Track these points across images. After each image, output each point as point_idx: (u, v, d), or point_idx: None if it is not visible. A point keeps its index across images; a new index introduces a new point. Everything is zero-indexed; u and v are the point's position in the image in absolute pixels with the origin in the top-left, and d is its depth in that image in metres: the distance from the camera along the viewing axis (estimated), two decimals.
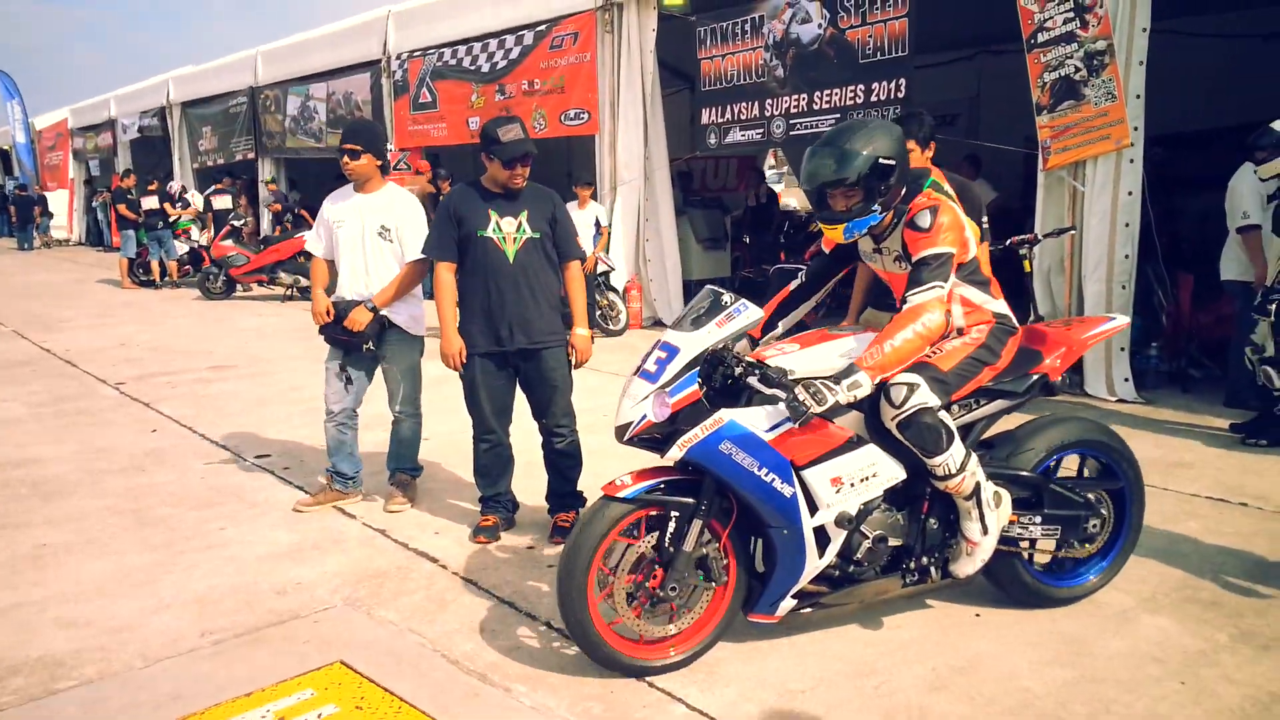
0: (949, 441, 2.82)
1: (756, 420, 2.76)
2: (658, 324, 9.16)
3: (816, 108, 7.87)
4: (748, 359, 2.85)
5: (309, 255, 4.52)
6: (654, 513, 2.84)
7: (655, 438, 2.83)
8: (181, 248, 14.20)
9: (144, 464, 5.10)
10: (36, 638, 3.15)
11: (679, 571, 2.82)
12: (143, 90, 20.46)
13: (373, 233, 4.17)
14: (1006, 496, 3.02)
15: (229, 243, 12.56)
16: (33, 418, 6.14)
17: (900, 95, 7.22)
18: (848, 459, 2.82)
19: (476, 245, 3.74)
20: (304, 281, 11.47)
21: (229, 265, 12.38)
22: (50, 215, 24.50)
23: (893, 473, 2.89)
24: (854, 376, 2.71)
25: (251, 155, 15.88)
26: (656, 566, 2.84)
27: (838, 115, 7.58)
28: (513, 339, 3.77)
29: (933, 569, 3.05)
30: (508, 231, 3.75)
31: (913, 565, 3.02)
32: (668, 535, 2.82)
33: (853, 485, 2.83)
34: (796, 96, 8.02)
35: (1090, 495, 3.20)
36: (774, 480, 2.75)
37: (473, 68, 10.88)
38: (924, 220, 2.86)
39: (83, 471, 4.97)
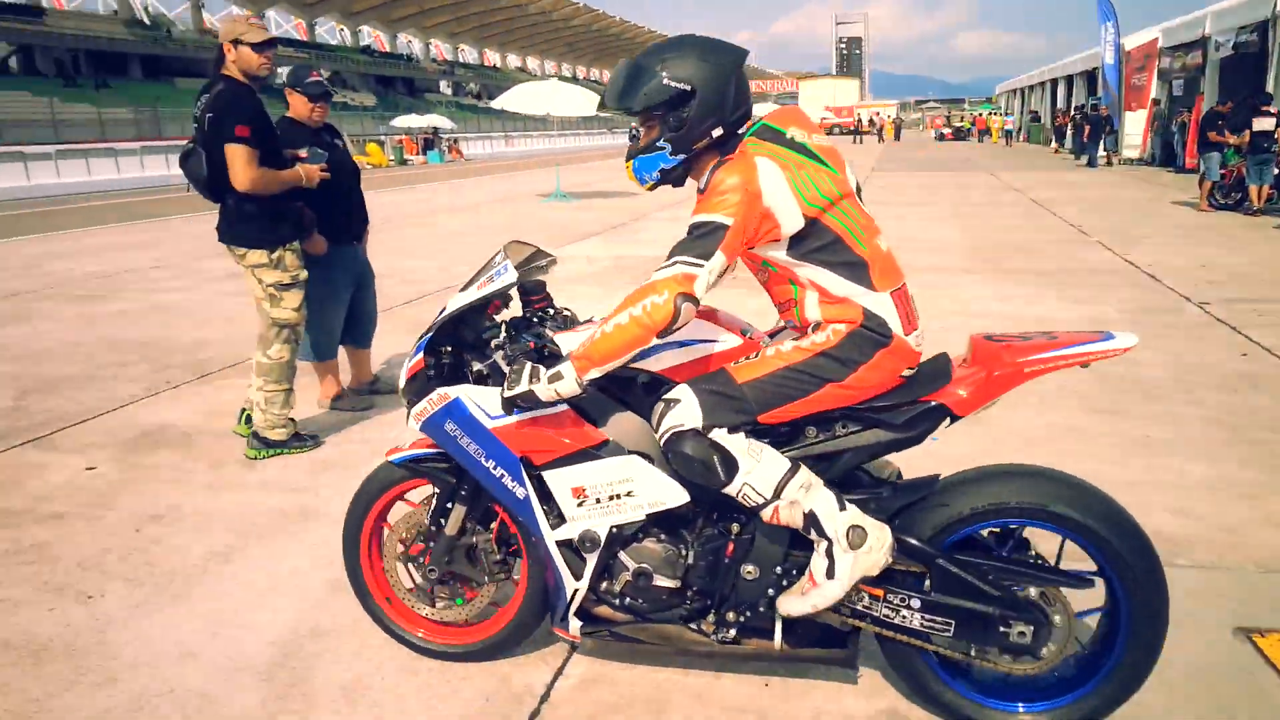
0: (730, 471, 2.21)
1: (485, 402, 2.41)
2: None
3: None
4: (546, 332, 2.47)
5: None
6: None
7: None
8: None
9: (1236, 384, 5.14)
10: (1149, 517, 3.53)
11: (439, 555, 2.61)
12: (1242, 5, 19.44)
13: None
14: (876, 538, 2.21)
15: None
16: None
17: None
18: (594, 468, 2.36)
19: None
20: None
21: None
22: (1115, 133, 25.51)
23: (661, 495, 2.35)
24: (559, 366, 2.19)
25: None
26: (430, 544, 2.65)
27: None
28: None
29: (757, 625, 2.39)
30: None
31: (713, 619, 2.42)
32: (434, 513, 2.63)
33: (598, 501, 2.37)
34: None
35: (1032, 589, 2.21)
36: (502, 476, 2.43)
37: None
38: (703, 179, 2.21)
39: (1175, 380, 5.25)
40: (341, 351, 5.19)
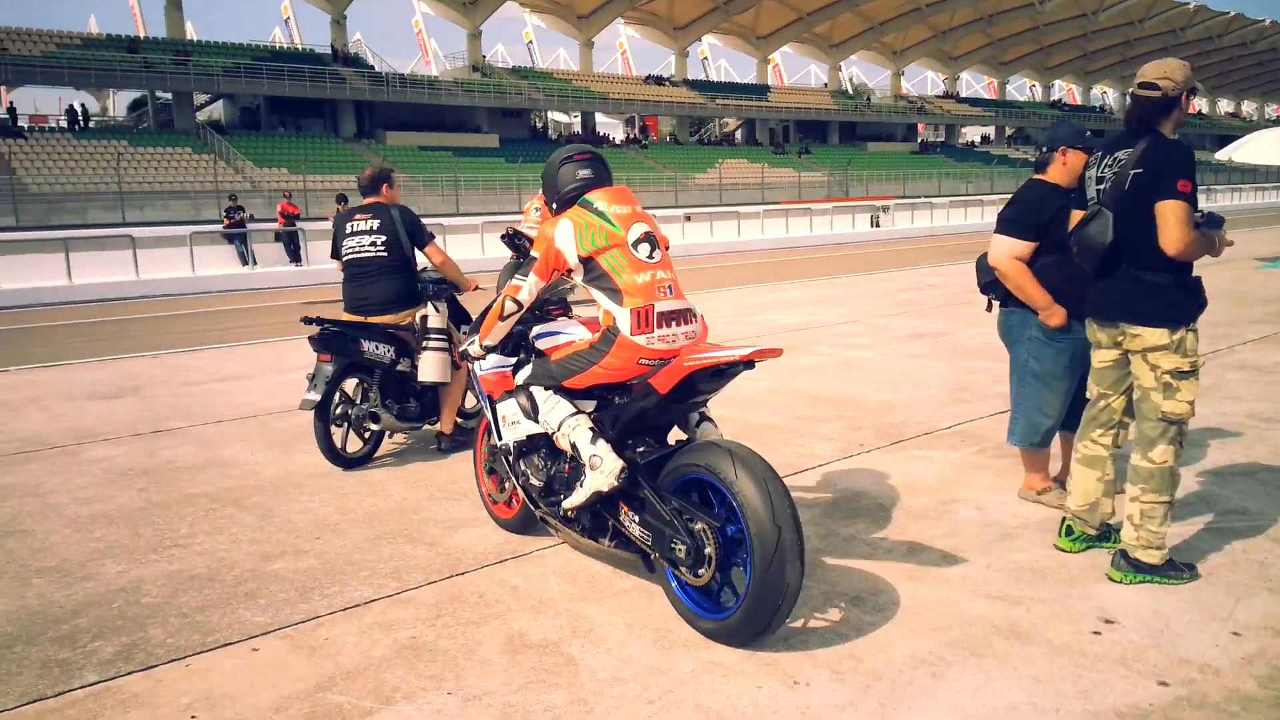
0: (536, 412, 3.59)
1: (488, 361, 4.04)
2: None
3: None
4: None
5: None
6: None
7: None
8: None
9: None
10: None
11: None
12: None
13: None
14: (607, 466, 3.35)
15: None
16: None
17: None
18: (506, 404, 3.83)
19: None
20: None
21: None
22: None
23: (527, 427, 3.72)
24: (473, 335, 3.89)
25: None
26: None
27: None
28: None
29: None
30: None
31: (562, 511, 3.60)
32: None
33: (510, 424, 3.82)
34: None
35: (694, 523, 3.21)
36: (486, 404, 4.07)
37: None
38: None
39: None
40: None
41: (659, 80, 63.77)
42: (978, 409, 6.49)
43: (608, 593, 3.66)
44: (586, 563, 3.94)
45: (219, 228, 23.08)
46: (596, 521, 3.55)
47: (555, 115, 68.68)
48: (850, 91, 74.41)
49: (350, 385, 5.57)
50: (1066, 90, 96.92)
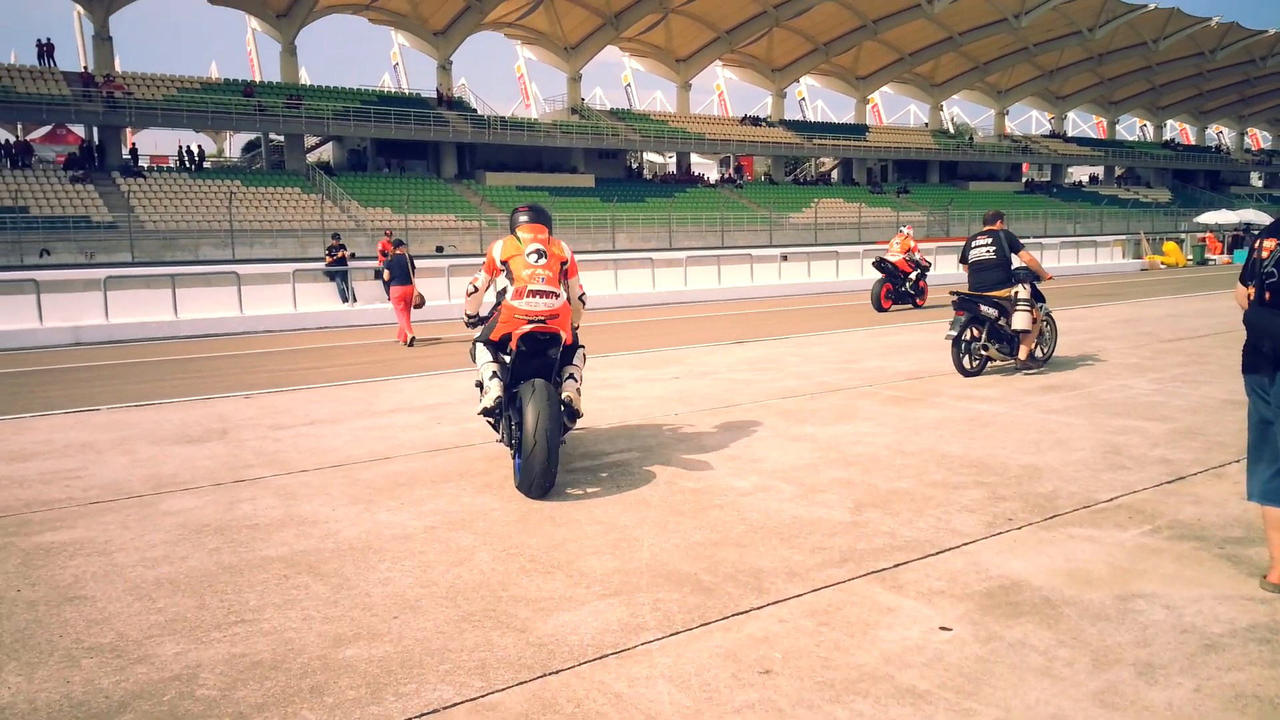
0: (474, 359, 6.00)
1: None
2: None
3: None
4: None
5: None
6: None
7: None
8: None
9: None
10: None
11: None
12: None
13: None
14: (490, 393, 5.67)
15: None
16: None
17: None
18: (485, 359, 5.99)
19: None
20: None
21: None
22: None
23: (492, 382, 5.78)
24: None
25: None
26: None
27: None
28: None
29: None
30: None
31: None
32: None
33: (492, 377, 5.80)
34: None
35: (518, 429, 5.66)
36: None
37: None
38: None
39: None
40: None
41: (755, 121, 63.41)
42: (1139, 477, 5.68)
43: (728, 707, 3.05)
44: (698, 662, 3.35)
45: (322, 265, 23.40)
46: (497, 424, 5.92)
47: (651, 156, 68.93)
48: (952, 130, 72.70)
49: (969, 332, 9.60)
50: (1180, 130, 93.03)
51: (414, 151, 48.60)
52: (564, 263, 5.82)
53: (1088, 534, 4.67)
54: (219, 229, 35.18)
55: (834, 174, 67.95)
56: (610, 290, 24.14)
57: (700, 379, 10.06)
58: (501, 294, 5.86)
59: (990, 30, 60.87)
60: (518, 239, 5.83)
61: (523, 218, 5.96)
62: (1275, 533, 3.87)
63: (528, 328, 5.55)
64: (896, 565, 4.30)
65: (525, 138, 50.06)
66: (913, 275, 19.13)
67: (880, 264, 19.35)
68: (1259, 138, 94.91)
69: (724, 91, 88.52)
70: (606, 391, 9.25)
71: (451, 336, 15.67)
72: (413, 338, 14.92)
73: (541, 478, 5.35)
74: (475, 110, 53.06)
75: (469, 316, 6.27)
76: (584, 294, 6.26)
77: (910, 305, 19.21)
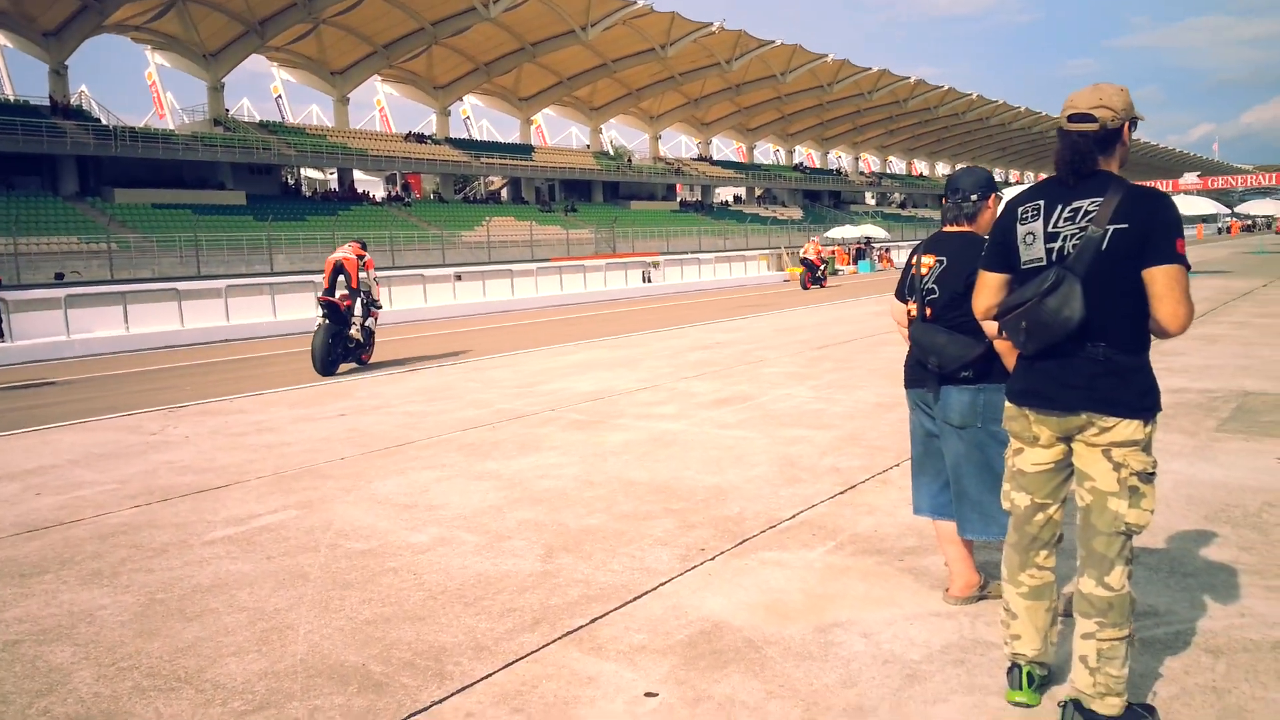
0: None
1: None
2: None
3: None
4: None
5: None
6: None
7: None
8: None
9: None
10: None
11: None
12: None
13: None
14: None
15: None
16: None
17: None
18: None
19: None
20: None
21: None
22: None
23: None
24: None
25: None
26: None
27: None
28: None
29: None
30: None
31: None
32: None
33: None
34: None
35: None
36: None
37: None
38: None
39: None
40: None
41: (420, 138, 62.15)
42: (815, 490, 5.77)
43: None
44: None
45: None
46: None
47: (310, 172, 65.23)
48: (612, 152, 75.88)
49: None
50: (806, 155, 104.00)
51: (25, 166, 42.18)
52: None
53: (777, 558, 4.56)
54: None
55: (504, 193, 68.34)
56: (269, 318, 22.20)
57: (370, 414, 9.21)
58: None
59: (640, 59, 64.37)
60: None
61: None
62: (949, 546, 3.93)
63: None
64: (593, 620, 3.89)
65: (161, 150, 45.35)
66: (821, 267, 32.74)
67: (804, 260, 32.66)
68: (869, 162, 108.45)
69: (385, 107, 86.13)
70: (259, 437, 8.15)
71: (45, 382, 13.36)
72: None
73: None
74: (99, 120, 47.21)
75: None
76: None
77: (819, 287, 31.68)
